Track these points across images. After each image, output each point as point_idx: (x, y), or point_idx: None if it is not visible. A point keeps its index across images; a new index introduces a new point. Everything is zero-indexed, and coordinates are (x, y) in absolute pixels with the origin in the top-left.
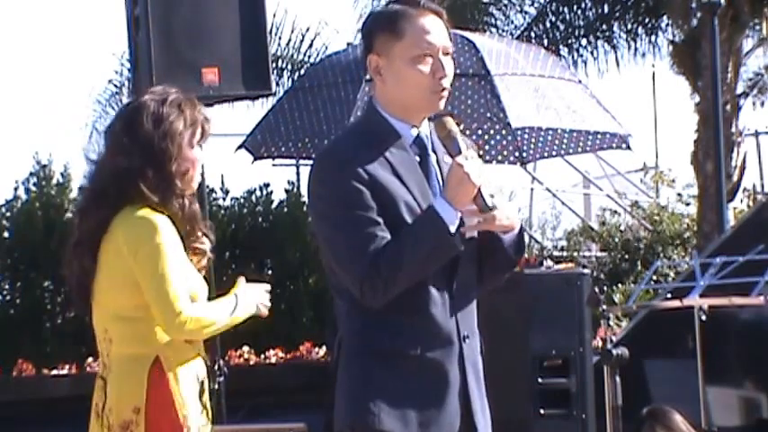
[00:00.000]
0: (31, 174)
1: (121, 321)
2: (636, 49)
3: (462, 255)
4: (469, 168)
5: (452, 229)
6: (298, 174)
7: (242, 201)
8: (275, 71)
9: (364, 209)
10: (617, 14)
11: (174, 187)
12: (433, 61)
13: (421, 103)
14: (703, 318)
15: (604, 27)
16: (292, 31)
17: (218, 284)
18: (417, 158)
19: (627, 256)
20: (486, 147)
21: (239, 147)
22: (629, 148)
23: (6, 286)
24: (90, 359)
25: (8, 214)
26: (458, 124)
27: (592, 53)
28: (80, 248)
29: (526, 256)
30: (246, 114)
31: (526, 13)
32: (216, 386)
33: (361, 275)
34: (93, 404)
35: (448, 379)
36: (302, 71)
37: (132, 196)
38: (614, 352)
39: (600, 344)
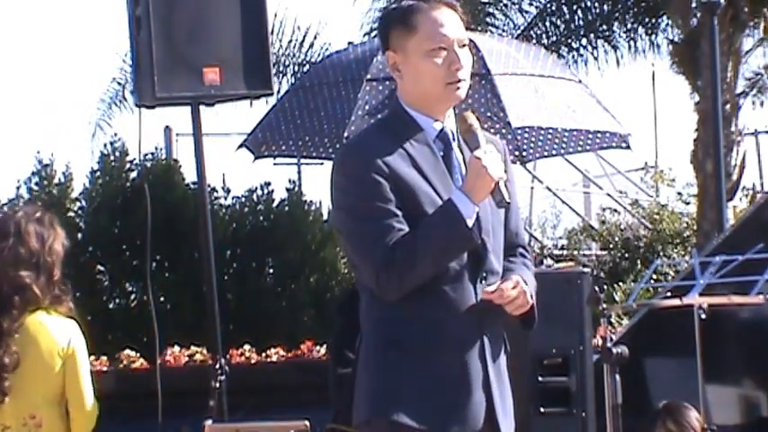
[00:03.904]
0: (33, 173)
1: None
2: (636, 48)
3: (489, 249)
4: (488, 162)
5: (470, 222)
6: (299, 173)
7: (243, 200)
8: (276, 71)
9: (383, 201)
10: (617, 14)
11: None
12: (448, 53)
13: (438, 95)
14: (703, 316)
15: (604, 27)
16: (293, 31)
17: (220, 284)
18: (441, 152)
19: (627, 255)
20: None
21: (240, 146)
22: (628, 147)
23: None
24: (92, 357)
25: None
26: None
27: (592, 53)
28: None
29: None
30: (247, 113)
31: (526, 12)
32: (217, 384)
33: (378, 266)
34: None
35: (469, 374)
36: (304, 70)
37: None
38: (614, 350)
39: (600, 342)
